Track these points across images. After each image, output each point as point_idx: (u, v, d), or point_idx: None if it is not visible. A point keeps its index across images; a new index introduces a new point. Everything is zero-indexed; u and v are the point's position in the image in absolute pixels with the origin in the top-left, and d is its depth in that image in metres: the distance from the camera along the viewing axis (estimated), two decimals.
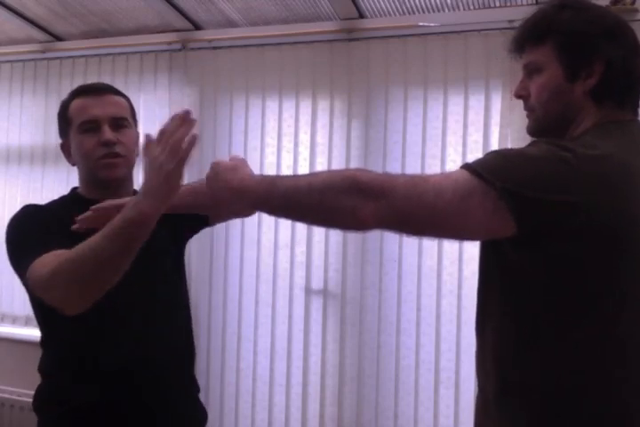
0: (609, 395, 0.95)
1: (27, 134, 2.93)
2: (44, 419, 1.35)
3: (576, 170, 0.91)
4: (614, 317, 0.95)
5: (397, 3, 2.32)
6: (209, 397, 2.59)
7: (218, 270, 2.60)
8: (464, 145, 2.28)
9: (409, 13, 2.38)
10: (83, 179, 1.42)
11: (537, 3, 2.20)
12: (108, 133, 1.32)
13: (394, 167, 2.36)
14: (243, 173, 1.09)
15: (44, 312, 1.32)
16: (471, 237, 1.06)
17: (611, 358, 0.95)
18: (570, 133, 1.06)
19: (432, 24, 2.32)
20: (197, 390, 1.49)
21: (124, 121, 1.38)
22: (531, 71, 1.08)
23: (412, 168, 2.34)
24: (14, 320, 2.96)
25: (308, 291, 2.48)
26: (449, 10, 2.33)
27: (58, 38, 2.89)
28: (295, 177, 1.13)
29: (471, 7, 2.30)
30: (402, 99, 2.36)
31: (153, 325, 1.35)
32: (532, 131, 1.12)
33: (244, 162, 1.14)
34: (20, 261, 1.23)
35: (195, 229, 1.57)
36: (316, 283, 2.47)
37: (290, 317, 2.49)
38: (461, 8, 2.31)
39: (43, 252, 1.18)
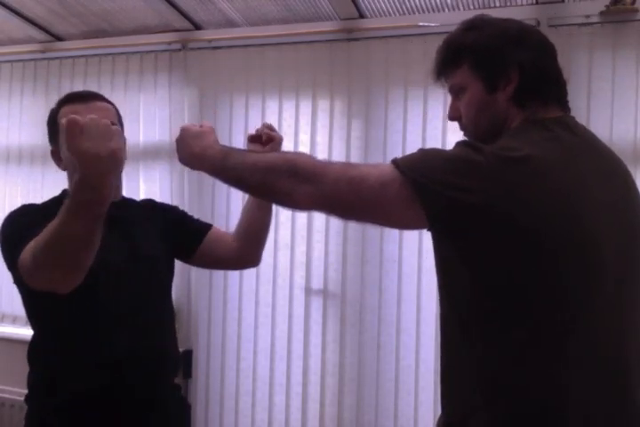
0: (549, 393, 0.95)
1: (27, 134, 2.93)
2: (34, 410, 1.39)
3: (484, 170, 0.93)
4: (545, 316, 0.95)
5: (397, 3, 2.32)
6: (209, 397, 2.59)
7: (218, 271, 2.59)
8: None
9: (409, 13, 2.38)
10: None
11: (537, 3, 2.20)
12: None
13: None
14: (207, 141, 1.19)
15: (37, 305, 1.36)
16: (395, 225, 1.14)
17: (543, 355, 0.95)
18: None
19: (432, 24, 2.32)
20: (179, 387, 1.56)
21: None
22: (456, 93, 1.15)
23: None
24: (14, 320, 2.97)
25: (308, 291, 2.48)
26: (449, 10, 2.33)
27: (58, 38, 2.89)
28: (246, 153, 1.18)
29: (471, 7, 2.30)
30: (402, 99, 2.36)
31: (145, 318, 1.40)
32: None
33: (211, 129, 1.23)
34: (11, 256, 1.25)
35: (185, 242, 1.60)
36: (316, 283, 2.47)
37: (290, 317, 2.49)
38: (461, 8, 2.32)
39: (27, 243, 1.19)
